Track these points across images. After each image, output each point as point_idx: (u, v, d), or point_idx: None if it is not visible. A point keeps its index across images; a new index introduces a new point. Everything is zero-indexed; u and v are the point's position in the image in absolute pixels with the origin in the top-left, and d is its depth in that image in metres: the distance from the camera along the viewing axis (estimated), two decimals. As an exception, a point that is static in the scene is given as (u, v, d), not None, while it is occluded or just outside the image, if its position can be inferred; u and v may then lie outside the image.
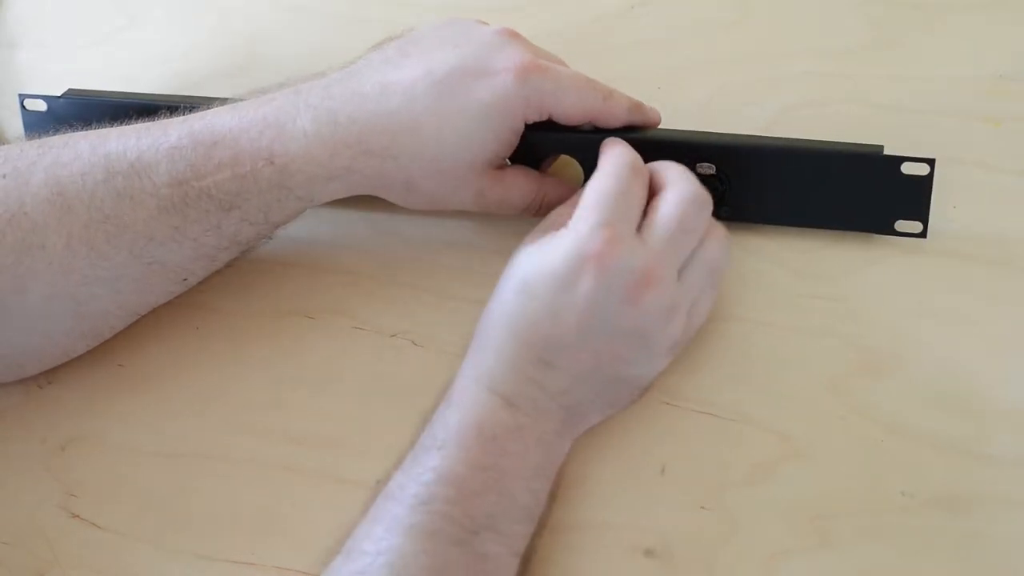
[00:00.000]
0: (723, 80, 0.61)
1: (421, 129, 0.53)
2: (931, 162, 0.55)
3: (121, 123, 0.57)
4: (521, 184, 0.56)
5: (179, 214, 0.55)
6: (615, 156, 0.53)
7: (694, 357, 0.56)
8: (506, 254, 0.57)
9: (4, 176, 0.55)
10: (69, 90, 0.65)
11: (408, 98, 0.53)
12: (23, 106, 0.64)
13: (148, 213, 0.54)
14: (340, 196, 0.56)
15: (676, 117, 0.58)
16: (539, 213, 0.57)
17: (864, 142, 0.57)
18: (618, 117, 0.55)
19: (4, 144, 0.60)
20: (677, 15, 0.63)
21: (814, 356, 0.56)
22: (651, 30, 0.63)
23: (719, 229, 0.54)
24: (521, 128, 0.54)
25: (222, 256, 0.58)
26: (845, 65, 0.60)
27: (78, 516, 0.59)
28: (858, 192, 0.56)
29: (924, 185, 0.55)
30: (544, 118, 0.55)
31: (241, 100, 0.57)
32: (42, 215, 0.54)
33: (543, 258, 0.52)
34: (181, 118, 0.56)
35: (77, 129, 0.58)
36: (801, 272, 0.58)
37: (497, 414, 0.52)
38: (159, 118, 0.57)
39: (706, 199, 0.53)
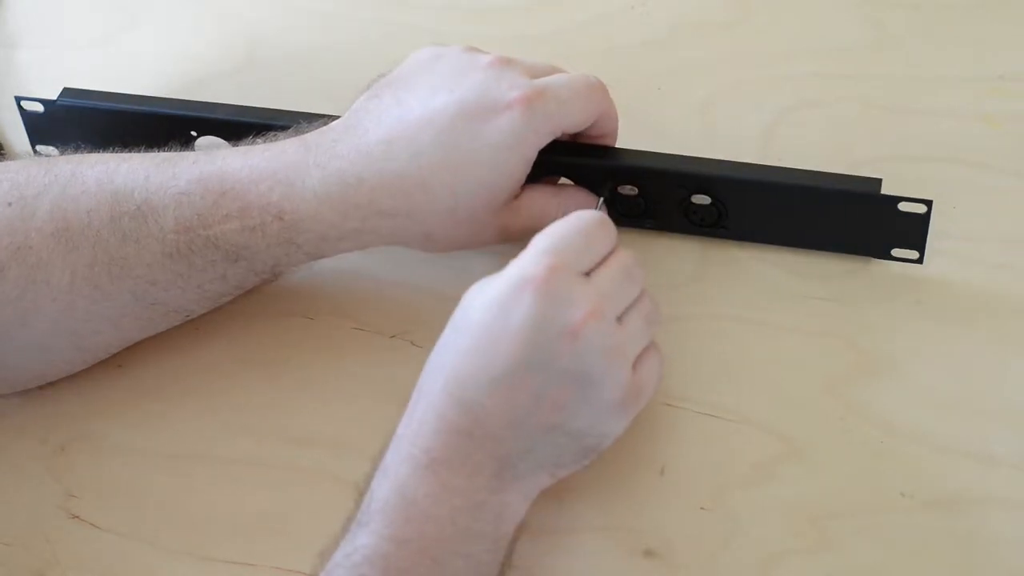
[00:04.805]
0: (723, 80, 0.61)
1: (432, 186, 0.52)
2: (928, 203, 0.54)
3: (129, 149, 0.57)
4: (540, 206, 0.55)
5: (184, 260, 0.54)
6: (584, 213, 0.51)
7: (693, 358, 0.56)
8: (506, 254, 0.56)
9: (10, 204, 0.54)
10: (66, 89, 0.65)
11: (414, 154, 0.52)
12: (20, 107, 0.64)
13: (152, 257, 0.54)
14: (350, 251, 0.56)
15: (676, 117, 0.58)
16: None
17: (864, 145, 0.57)
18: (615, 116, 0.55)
19: (6, 148, 0.60)
20: (677, 15, 0.63)
21: (813, 357, 0.56)
22: (651, 30, 0.63)
23: (648, 293, 0.53)
24: (534, 157, 0.53)
25: (225, 299, 0.58)
26: (845, 65, 0.60)
27: (78, 516, 0.59)
28: (855, 223, 0.56)
29: (921, 221, 0.54)
30: (554, 138, 0.53)
31: (252, 143, 0.56)
32: (47, 251, 0.54)
33: (482, 290, 0.50)
34: (192, 158, 0.55)
35: (78, 130, 0.58)
36: (800, 273, 0.58)
37: (418, 474, 0.49)
38: (168, 149, 0.57)
39: (640, 261, 0.52)
